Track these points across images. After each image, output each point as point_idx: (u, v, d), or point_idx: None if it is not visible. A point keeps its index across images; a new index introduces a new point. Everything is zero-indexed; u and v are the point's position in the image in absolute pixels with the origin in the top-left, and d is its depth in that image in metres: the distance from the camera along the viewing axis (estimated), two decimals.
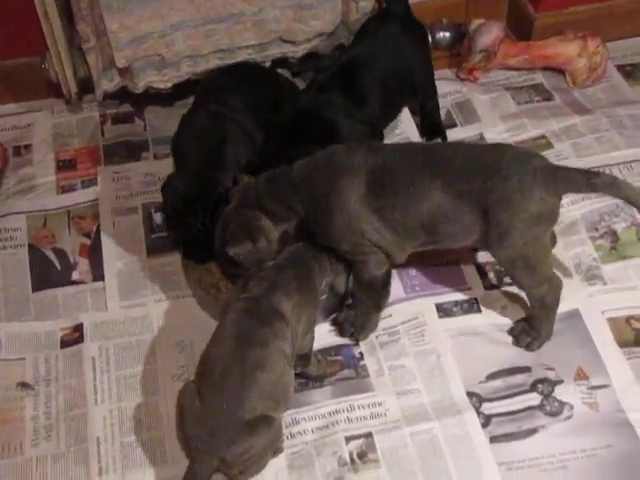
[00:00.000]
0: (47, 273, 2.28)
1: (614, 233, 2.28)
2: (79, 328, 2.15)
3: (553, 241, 2.09)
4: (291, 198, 1.95)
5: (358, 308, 2.09)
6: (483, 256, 2.23)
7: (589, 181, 1.86)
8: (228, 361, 1.75)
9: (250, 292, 1.84)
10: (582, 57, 2.65)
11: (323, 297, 2.03)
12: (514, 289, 2.16)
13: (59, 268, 2.29)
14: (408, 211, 1.89)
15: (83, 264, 2.31)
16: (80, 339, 2.13)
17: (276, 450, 1.84)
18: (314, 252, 1.96)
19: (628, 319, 2.12)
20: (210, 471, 1.74)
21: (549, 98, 2.69)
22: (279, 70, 2.60)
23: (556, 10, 2.74)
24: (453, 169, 1.88)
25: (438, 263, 2.23)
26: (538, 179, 1.84)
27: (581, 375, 2.02)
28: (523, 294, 2.12)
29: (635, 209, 1.89)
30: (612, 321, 2.11)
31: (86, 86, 2.54)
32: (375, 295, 2.07)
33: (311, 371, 2.00)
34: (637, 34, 2.85)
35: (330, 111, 2.21)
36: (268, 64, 2.53)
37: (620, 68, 2.77)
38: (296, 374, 1.95)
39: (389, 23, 2.37)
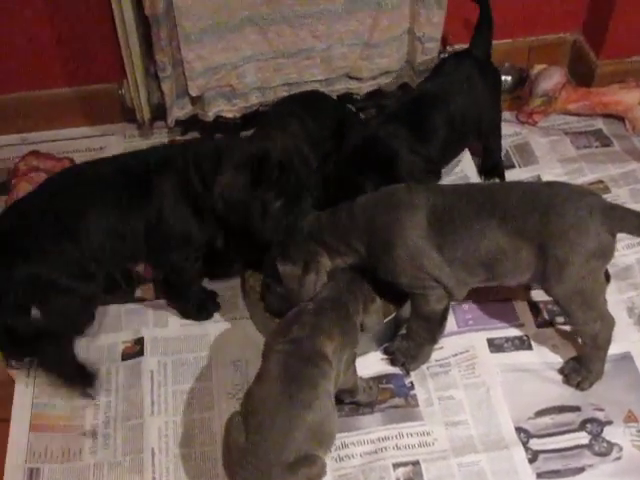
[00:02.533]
0: (112, 289, 2.29)
1: None
2: (140, 342, 2.18)
3: (607, 280, 2.06)
4: (351, 235, 1.97)
5: (412, 339, 2.09)
6: (536, 294, 2.22)
7: None
8: (276, 401, 1.74)
9: (293, 335, 1.83)
10: None
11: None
12: (566, 328, 2.16)
13: (123, 285, 2.32)
14: (467, 249, 1.91)
15: (147, 283, 2.34)
16: (140, 352, 2.15)
17: None
18: (353, 292, 1.96)
19: None
20: None
21: (608, 144, 2.67)
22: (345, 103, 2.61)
23: (618, 58, 2.74)
24: (509, 207, 1.89)
25: (492, 299, 2.22)
26: (594, 215, 1.84)
27: (631, 418, 2.00)
28: (574, 334, 2.12)
29: None
30: None
31: (158, 113, 2.58)
32: (431, 328, 2.07)
33: (361, 398, 2.00)
34: None
35: (394, 142, 2.20)
36: (334, 98, 2.55)
37: None
38: (344, 400, 1.98)
39: (467, 65, 2.35)
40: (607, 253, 1.89)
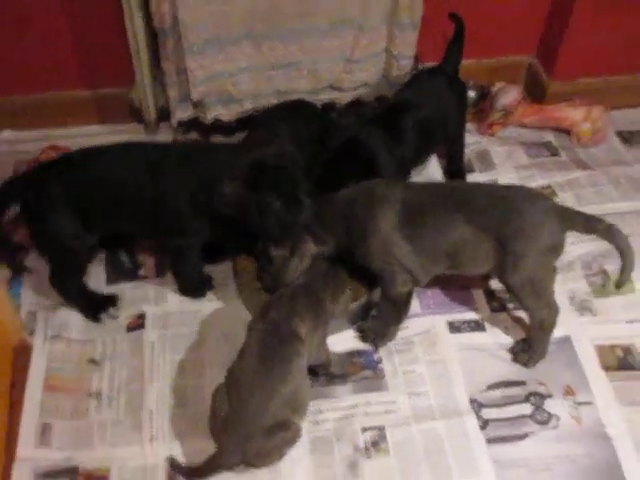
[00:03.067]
0: (118, 269, 2.31)
1: (605, 272, 2.27)
2: (142, 316, 2.17)
3: (554, 273, 2.08)
4: (333, 223, 1.98)
5: (381, 319, 2.10)
6: (490, 283, 2.24)
7: (590, 224, 1.88)
8: (254, 374, 1.76)
9: (270, 316, 1.85)
10: (586, 122, 2.66)
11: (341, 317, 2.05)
12: (516, 313, 2.17)
13: (128, 265, 2.32)
14: (434, 240, 1.92)
15: (149, 262, 2.33)
16: (142, 326, 2.15)
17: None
18: (326, 282, 1.96)
19: (612, 347, 2.11)
20: (233, 461, 1.77)
21: (556, 154, 2.69)
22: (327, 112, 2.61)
23: (567, 80, 2.75)
24: (474, 205, 1.91)
25: (452, 286, 2.23)
26: (549, 215, 1.86)
27: (569, 392, 2.01)
28: (523, 318, 2.14)
29: (619, 255, 1.88)
30: (598, 348, 2.10)
31: (162, 114, 2.58)
32: (398, 309, 2.07)
33: (334, 370, 2.01)
34: (635, 106, 2.85)
35: (372, 142, 2.20)
36: (319, 107, 2.54)
37: (619, 134, 2.77)
38: (319, 373, 1.99)
39: (437, 79, 2.37)
40: (558, 249, 1.91)
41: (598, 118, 2.66)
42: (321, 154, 2.25)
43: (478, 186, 2.12)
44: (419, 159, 2.42)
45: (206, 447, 1.81)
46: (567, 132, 2.72)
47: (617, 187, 2.55)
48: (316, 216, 1.97)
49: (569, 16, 2.57)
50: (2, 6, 2.36)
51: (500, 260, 1.90)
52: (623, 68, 2.76)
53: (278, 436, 1.77)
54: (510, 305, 2.20)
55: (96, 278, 2.26)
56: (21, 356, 2.05)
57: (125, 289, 2.25)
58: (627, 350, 2.11)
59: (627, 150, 2.71)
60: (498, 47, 2.78)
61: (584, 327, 2.15)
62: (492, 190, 2.01)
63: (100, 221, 2.04)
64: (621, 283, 1.92)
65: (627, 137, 2.76)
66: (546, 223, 1.86)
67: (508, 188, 2.02)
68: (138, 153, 2.05)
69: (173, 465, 1.82)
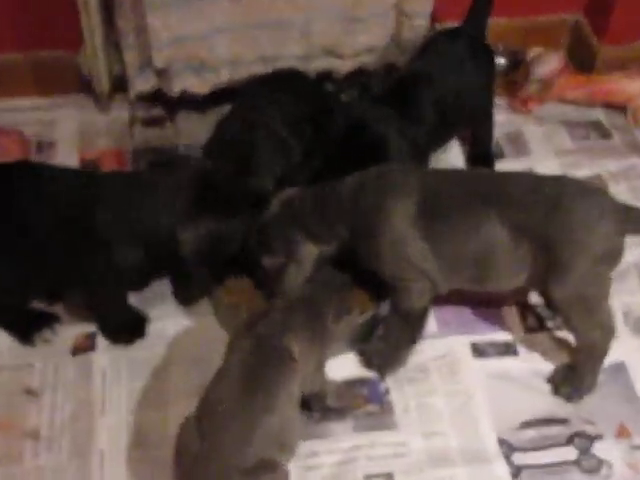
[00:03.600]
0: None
1: None
2: (92, 336, 2.18)
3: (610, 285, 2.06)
4: (336, 218, 1.97)
5: (390, 340, 2.11)
6: (524, 297, 2.25)
7: None
8: (234, 403, 1.74)
9: (257, 330, 1.83)
10: None
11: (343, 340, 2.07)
12: (557, 333, 2.19)
13: None
14: (458, 241, 1.91)
15: None
16: (92, 348, 2.16)
17: None
18: (329, 296, 1.96)
19: None
20: None
21: (608, 136, 2.71)
22: (325, 83, 2.62)
23: (622, 44, 2.77)
24: (512, 200, 1.89)
25: (477, 300, 2.24)
26: (605, 215, 1.85)
27: (623, 433, 2.02)
28: (567, 341, 2.15)
29: None
30: None
31: (119, 85, 2.59)
32: (411, 327, 2.09)
33: (331, 403, 2.01)
34: None
35: (381, 125, 2.20)
36: (313, 77, 2.56)
37: None
38: (313, 407, 2.00)
39: (459, 44, 2.37)
40: (616, 257, 1.90)
41: None
42: (320, 141, 2.27)
43: (515, 175, 2.10)
44: (438, 143, 2.44)
45: None
46: (621, 109, 2.74)
47: None
48: (315, 209, 1.98)
49: None
50: None
51: (542, 270, 1.90)
52: None
53: (261, 479, 1.76)
54: (550, 323, 2.22)
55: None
56: None
57: (70, 304, 2.25)
58: None
59: None
60: (535, 2, 2.80)
61: None
62: (533, 181, 1.98)
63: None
64: None
65: None
66: (601, 224, 1.85)
67: (554, 179, 2.00)
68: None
69: None
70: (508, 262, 1.92)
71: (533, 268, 1.91)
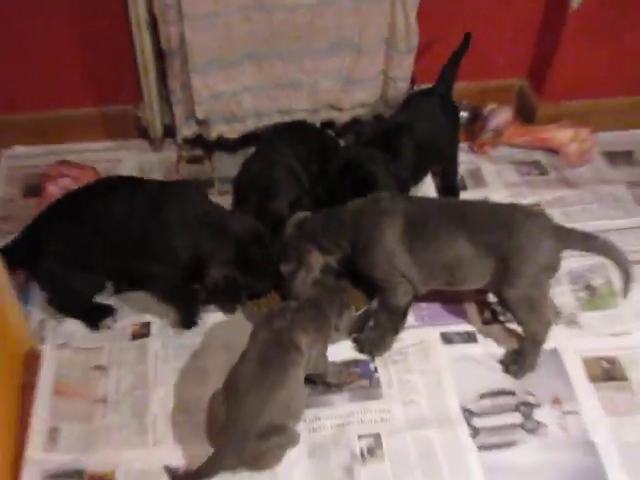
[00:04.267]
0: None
1: (591, 288, 2.28)
2: (147, 325, 2.17)
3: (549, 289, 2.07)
4: (340, 235, 1.97)
5: (378, 330, 2.10)
6: (482, 296, 2.24)
7: (588, 242, 1.90)
8: (251, 380, 1.75)
9: (273, 325, 1.84)
10: (574, 142, 2.68)
11: (342, 333, 2.06)
12: (507, 326, 2.18)
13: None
14: (435, 253, 1.91)
15: None
16: (147, 334, 2.15)
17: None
18: (332, 298, 1.96)
19: (598, 359, 2.11)
20: (229, 462, 1.76)
21: (545, 173, 2.70)
22: (327, 130, 2.62)
23: (556, 102, 2.76)
24: (477, 222, 1.91)
25: (445, 299, 2.23)
26: (547, 235, 1.87)
27: (556, 402, 2.02)
28: (514, 330, 2.15)
29: (618, 269, 1.91)
30: (585, 360, 2.11)
31: (168, 131, 2.58)
32: (395, 320, 2.08)
33: (331, 380, 2.00)
34: (619, 128, 2.86)
35: (371, 164, 2.19)
36: (318, 125, 2.55)
37: (604, 154, 2.79)
38: (318, 382, 1.99)
39: (431, 100, 2.38)
40: (555, 267, 1.91)
41: (585, 139, 2.68)
42: (322, 174, 2.26)
43: (481, 204, 2.11)
44: (416, 178, 2.43)
45: (207, 451, 1.80)
46: (556, 152, 2.73)
47: (602, 205, 2.56)
48: (323, 228, 1.98)
49: (558, 41, 2.59)
50: (11, 25, 2.36)
51: (498, 276, 1.91)
52: (608, 92, 2.78)
53: (273, 440, 1.76)
54: (502, 317, 2.21)
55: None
56: (32, 363, 2.05)
57: (131, 299, 2.24)
58: (611, 362, 2.11)
59: (612, 170, 2.73)
60: (490, 70, 2.79)
61: (571, 340, 2.15)
62: (492, 208, 2.00)
63: (100, 264, 2.06)
64: (626, 293, 1.92)
65: (611, 157, 2.77)
66: (544, 242, 1.87)
67: (509, 207, 2.00)
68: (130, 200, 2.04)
69: (171, 473, 1.83)
70: (473, 270, 1.93)
71: (491, 275, 1.92)
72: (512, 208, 1.98)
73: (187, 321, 2.16)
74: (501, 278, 1.90)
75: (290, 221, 2.04)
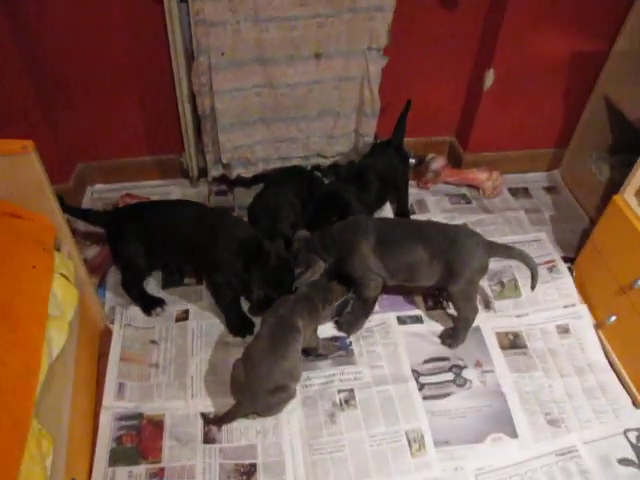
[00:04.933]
0: (170, 279, 2.26)
1: (502, 283, 2.26)
2: (186, 312, 2.13)
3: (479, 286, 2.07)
4: (331, 247, 1.95)
5: (353, 315, 2.08)
6: (427, 290, 2.21)
7: (508, 251, 1.91)
8: (264, 353, 1.73)
9: (279, 312, 1.82)
10: (489, 181, 2.67)
11: (327, 317, 2.06)
12: (446, 311, 2.16)
13: (177, 276, 2.27)
14: (399, 259, 1.90)
15: (191, 274, 2.28)
16: (187, 318, 2.11)
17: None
18: (321, 294, 1.93)
19: (506, 333, 2.11)
20: (246, 411, 1.77)
21: (469, 202, 2.68)
22: (315, 172, 2.59)
23: (476, 153, 2.75)
24: (429, 236, 1.89)
25: (400, 292, 2.20)
26: (480, 246, 1.87)
27: (478, 364, 2.01)
28: (449, 314, 2.13)
29: (529, 269, 1.92)
30: (497, 334, 2.10)
31: (202, 173, 2.55)
32: (367, 308, 2.06)
33: (321, 351, 1.98)
34: (519, 172, 2.84)
35: (347, 195, 2.19)
36: (309, 168, 2.53)
37: (509, 189, 2.77)
38: (311, 353, 1.96)
39: (389, 148, 2.37)
40: (485, 270, 1.91)
41: (496, 179, 2.67)
42: (310, 202, 2.24)
43: (433, 223, 2.08)
44: (380, 204, 2.41)
45: (229, 403, 1.80)
46: (476, 188, 2.72)
47: (509, 225, 2.55)
48: (320, 242, 1.96)
49: (476, 110, 2.59)
50: (95, 98, 2.33)
51: (444, 276, 1.89)
52: (511, 146, 2.77)
53: (279, 395, 1.75)
54: (441, 305, 2.19)
55: (154, 285, 2.23)
56: (105, 338, 2.02)
57: (175, 292, 2.21)
58: (516, 335, 2.10)
59: (514, 201, 2.71)
60: (430, 129, 2.78)
61: (488, 320, 2.14)
62: (442, 227, 1.97)
63: (158, 252, 2.01)
64: (533, 287, 1.93)
65: (514, 192, 2.76)
66: (477, 252, 1.86)
67: (454, 227, 1.97)
68: (189, 210, 2.00)
69: (205, 417, 1.80)
70: (426, 271, 1.91)
71: (440, 275, 1.91)
72: (456, 227, 1.97)
73: (232, 328, 2.05)
74: (447, 277, 1.89)
75: (296, 237, 2.03)
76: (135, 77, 2.29)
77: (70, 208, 2.01)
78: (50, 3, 2.03)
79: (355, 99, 2.32)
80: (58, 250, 1.64)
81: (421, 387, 1.93)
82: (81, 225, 2.32)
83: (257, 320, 2.04)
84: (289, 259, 1.95)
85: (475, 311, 1.99)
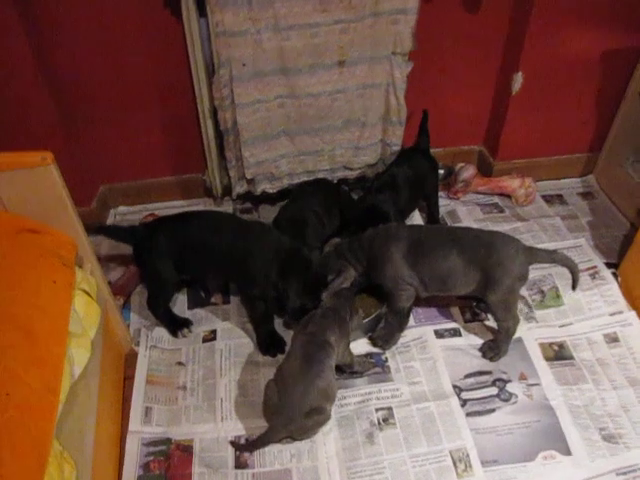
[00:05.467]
0: (196, 299, 2.19)
1: (542, 292, 2.15)
2: (214, 332, 2.05)
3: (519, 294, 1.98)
4: (361, 255, 1.87)
5: (387, 329, 1.97)
6: (463, 302, 2.11)
7: (551, 255, 1.80)
8: (297, 373, 1.64)
9: (309, 330, 1.73)
10: (522, 188, 2.57)
11: (357, 329, 1.94)
12: (484, 323, 2.05)
13: (204, 296, 2.20)
14: (432, 267, 1.80)
15: (218, 293, 2.21)
16: (214, 338, 2.03)
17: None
18: (346, 304, 1.84)
19: (550, 344, 1.99)
20: (280, 436, 1.67)
21: (502, 211, 2.58)
22: (341, 185, 2.52)
23: (507, 161, 2.65)
24: (465, 243, 1.79)
25: (436, 305, 2.10)
26: (519, 252, 1.76)
27: (522, 377, 1.89)
28: (488, 326, 2.02)
29: (570, 272, 1.83)
30: (541, 345, 1.98)
31: (226, 190, 2.49)
32: (400, 320, 1.95)
33: (356, 368, 1.88)
34: (552, 178, 2.74)
35: (385, 206, 2.12)
36: (335, 181, 2.46)
37: (543, 197, 2.66)
38: (345, 370, 1.87)
39: (416, 153, 2.30)
40: (525, 277, 1.80)
41: (529, 186, 2.57)
42: (346, 218, 2.22)
43: (467, 229, 1.98)
44: (411, 209, 2.35)
45: (261, 425, 1.71)
46: (508, 196, 2.62)
47: (545, 233, 2.44)
48: (350, 250, 1.89)
49: (504, 116, 2.50)
50: (118, 118, 2.30)
51: (482, 284, 1.79)
52: (542, 152, 2.67)
53: (314, 418, 1.65)
54: (479, 317, 2.08)
55: (180, 305, 2.15)
56: (131, 360, 1.95)
57: (201, 313, 2.13)
58: (560, 346, 1.98)
59: (549, 207, 2.61)
60: (457, 139, 2.70)
61: (530, 331, 2.02)
62: (478, 233, 1.87)
63: (189, 266, 1.93)
64: (574, 287, 1.84)
65: (548, 199, 2.65)
66: (517, 258, 1.76)
67: (490, 233, 1.87)
68: (222, 221, 1.93)
69: (235, 444, 1.70)
70: (462, 280, 1.81)
71: (477, 283, 1.80)
72: (493, 233, 1.86)
73: (263, 346, 1.96)
74: (485, 286, 1.79)
75: (329, 245, 1.99)
76: (155, 94, 2.25)
77: (97, 227, 1.97)
78: (69, 22, 2.01)
79: (381, 107, 2.25)
80: (80, 267, 1.58)
81: (463, 403, 1.81)
82: (104, 248, 2.27)
83: (287, 338, 1.94)
84: (325, 269, 1.87)
85: (516, 321, 1.88)
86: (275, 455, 1.68)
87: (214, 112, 2.16)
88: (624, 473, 1.66)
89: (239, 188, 2.38)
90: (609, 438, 1.74)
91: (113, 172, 2.49)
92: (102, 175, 2.48)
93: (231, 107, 2.11)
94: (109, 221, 2.54)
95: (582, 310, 2.08)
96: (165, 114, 2.32)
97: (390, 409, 1.79)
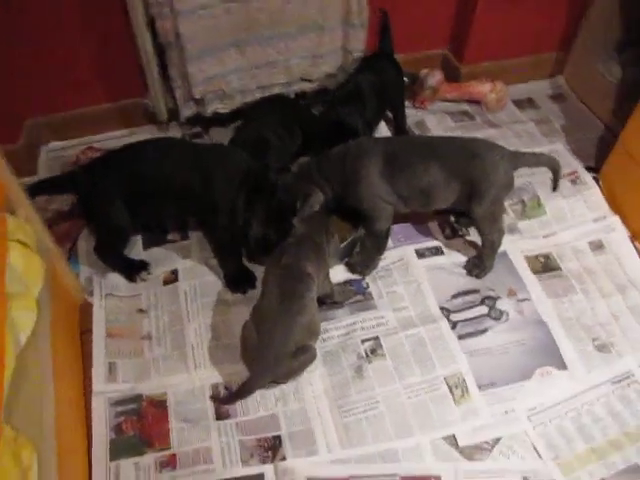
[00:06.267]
0: (151, 237, 1.95)
1: (523, 202, 2.02)
2: (175, 272, 1.85)
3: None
4: (331, 174, 1.69)
5: (365, 253, 1.82)
6: (441, 217, 1.97)
7: (537, 157, 1.67)
8: (277, 312, 1.48)
9: (284, 262, 1.56)
10: (492, 93, 2.39)
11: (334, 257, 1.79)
12: (465, 239, 1.93)
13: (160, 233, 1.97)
14: (411, 182, 1.64)
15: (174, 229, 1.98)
16: (176, 279, 1.83)
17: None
18: (319, 230, 1.68)
19: (536, 256, 1.89)
20: (263, 384, 1.52)
21: (473, 118, 2.41)
22: (300, 100, 2.28)
23: (474, 64, 2.46)
24: (446, 153, 1.63)
25: (413, 221, 1.95)
26: (504, 159, 1.62)
27: (511, 293, 1.79)
28: (471, 241, 1.90)
29: (551, 171, 1.71)
30: (527, 258, 1.88)
31: (172, 115, 2.21)
32: (379, 243, 1.80)
33: (337, 298, 1.73)
34: (519, 82, 2.56)
35: (352, 119, 1.92)
36: (292, 95, 2.22)
37: (513, 102, 2.49)
38: (325, 302, 1.71)
39: (380, 59, 2.13)
40: (510, 185, 1.67)
41: (500, 90, 2.40)
42: (308, 137, 2.02)
43: (446, 138, 1.82)
44: (378, 119, 2.16)
45: (239, 370, 1.57)
46: (478, 102, 2.44)
47: (519, 139, 2.29)
48: (319, 171, 1.69)
49: (472, 14, 2.29)
50: (35, 41, 1.98)
51: (464, 196, 1.64)
52: (513, 53, 2.48)
53: (300, 358, 1.51)
54: (460, 232, 1.94)
55: (134, 245, 1.92)
56: (85, 313, 1.73)
57: (159, 252, 1.91)
58: (546, 257, 1.89)
59: (521, 112, 2.45)
60: (419, 43, 2.47)
61: (514, 244, 1.91)
62: (458, 141, 1.72)
63: (143, 207, 1.70)
64: (555, 188, 1.73)
65: (518, 104, 2.49)
66: (501, 165, 1.61)
67: (471, 140, 1.72)
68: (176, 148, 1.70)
69: (214, 397, 1.55)
70: (443, 193, 1.66)
71: (458, 196, 1.65)
72: (474, 141, 1.71)
73: (231, 283, 1.78)
74: (468, 198, 1.64)
75: (295, 165, 1.81)
76: (77, 6, 1.93)
77: (28, 188, 1.59)
78: None
79: (339, 7, 2.01)
80: (12, 214, 1.34)
81: (454, 325, 1.70)
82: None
83: (258, 274, 1.77)
84: (297, 197, 1.67)
85: (501, 233, 1.76)
86: (258, 401, 1.54)
87: (152, 22, 1.87)
88: (618, 381, 1.62)
89: (187, 110, 2.12)
90: (601, 348, 1.68)
91: (39, 102, 2.16)
92: (26, 107, 2.15)
93: (171, 15, 1.83)
94: (41, 161, 2.24)
95: (565, 218, 1.98)
96: (93, 28, 2.00)
97: (377, 339, 1.66)
